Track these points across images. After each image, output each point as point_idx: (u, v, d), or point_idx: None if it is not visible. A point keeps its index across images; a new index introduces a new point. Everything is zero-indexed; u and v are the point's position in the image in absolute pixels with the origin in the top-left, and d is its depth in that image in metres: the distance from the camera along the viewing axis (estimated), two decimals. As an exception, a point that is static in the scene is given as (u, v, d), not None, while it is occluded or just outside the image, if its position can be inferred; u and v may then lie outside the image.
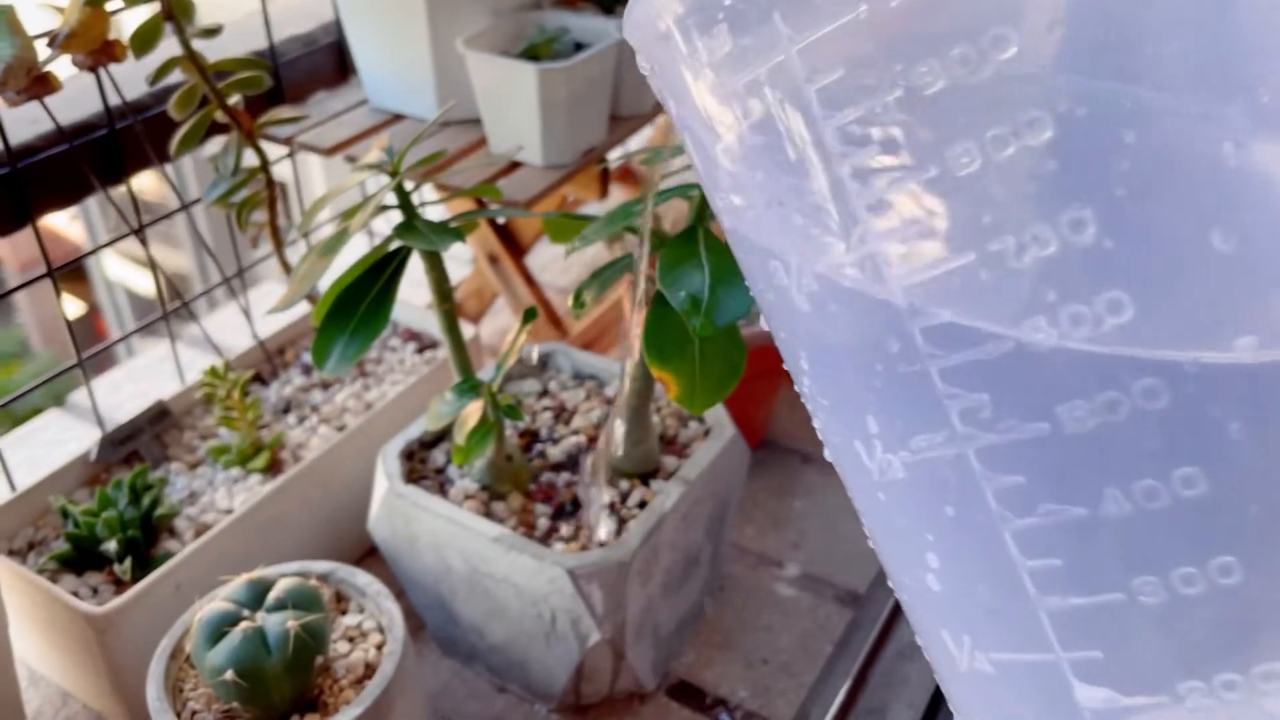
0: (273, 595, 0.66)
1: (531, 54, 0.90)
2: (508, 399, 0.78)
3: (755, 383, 1.02)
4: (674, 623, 0.84)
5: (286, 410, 0.97)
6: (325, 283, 0.73)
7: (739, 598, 0.92)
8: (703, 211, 0.70)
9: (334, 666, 0.70)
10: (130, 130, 0.86)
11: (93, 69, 0.79)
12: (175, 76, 0.82)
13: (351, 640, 0.72)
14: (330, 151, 0.94)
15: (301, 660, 0.64)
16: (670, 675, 0.85)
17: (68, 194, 0.85)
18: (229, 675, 0.62)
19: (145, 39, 0.80)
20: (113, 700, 0.78)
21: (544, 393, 0.91)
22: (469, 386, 0.75)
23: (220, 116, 0.83)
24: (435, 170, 0.85)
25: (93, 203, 0.91)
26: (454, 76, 0.94)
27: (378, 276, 0.70)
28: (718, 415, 0.85)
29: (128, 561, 0.78)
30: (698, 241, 0.66)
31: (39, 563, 0.79)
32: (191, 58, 0.80)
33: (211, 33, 0.79)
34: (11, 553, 0.81)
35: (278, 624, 0.64)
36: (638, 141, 1.57)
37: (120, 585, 0.79)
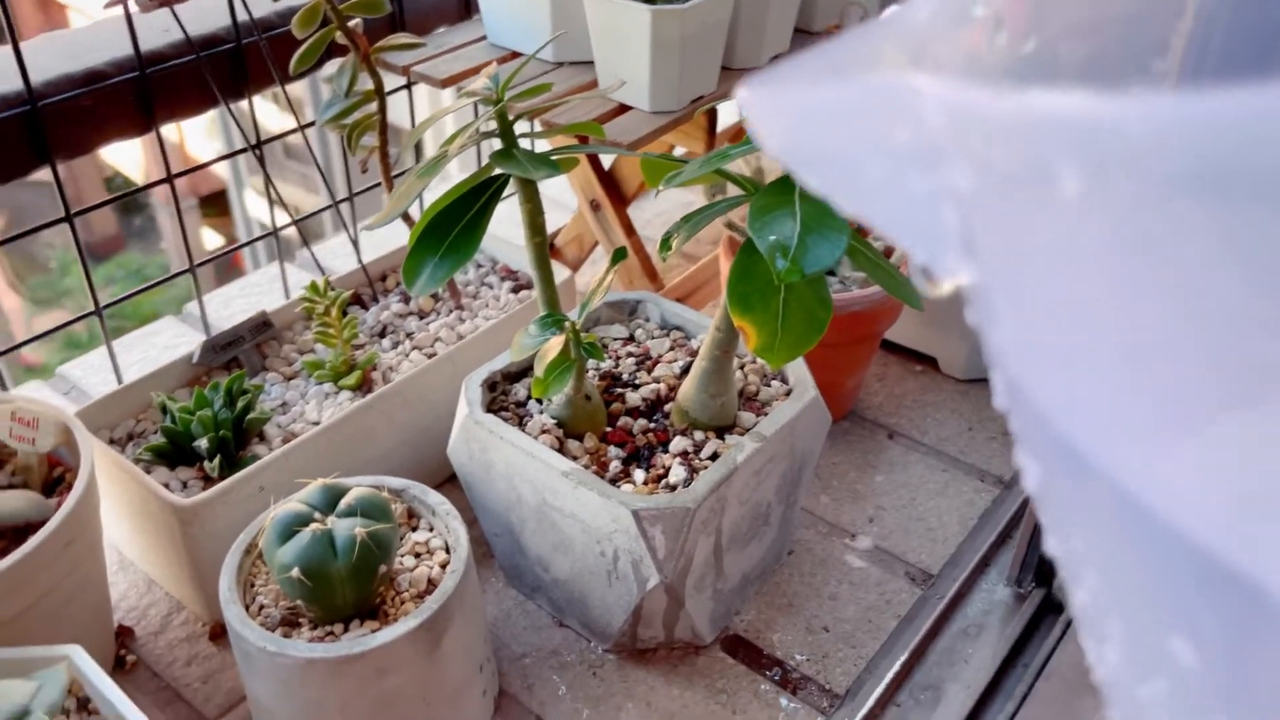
0: (344, 502, 0.68)
1: (648, -3, 0.89)
2: (590, 338, 0.79)
3: (846, 351, 1.01)
4: (737, 578, 0.83)
5: (382, 334, 1.00)
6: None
7: (807, 564, 0.91)
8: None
9: (398, 579, 0.72)
10: (255, 46, 0.89)
11: (224, -17, 0.82)
12: (300, -4, 0.84)
13: (418, 556, 0.74)
14: (445, 83, 0.96)
15: (365, 566, 0.66)
16: (729, 631, 0.85)
17: (193, 104, 0.88)
18: (295, 573, 0.64)
19: (275, -43, 0.82)
20: (191, 589, 0.81)
21: (630, 339, 0.91)
22: (553, 321, 0.75)
23: (339, 38, 0.84)
24: (541, 105, 0.85)
25: (238, 138, 0.94)
26: (570, 16, 0.94)
27: (472, 203, 0.71)
28: (801, 376, 0.84)
29: (217, 459, 0.81)
30: (793, 191, 0.65)
31: (135, 453, 0.83)
32: (317, -23, 0.82)
33: (337, -46, 0.80)
34: (112, 441, 0.86)
35: (346, 529, 0.66)
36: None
37: (208, 482, 0.82)
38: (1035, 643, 0.66)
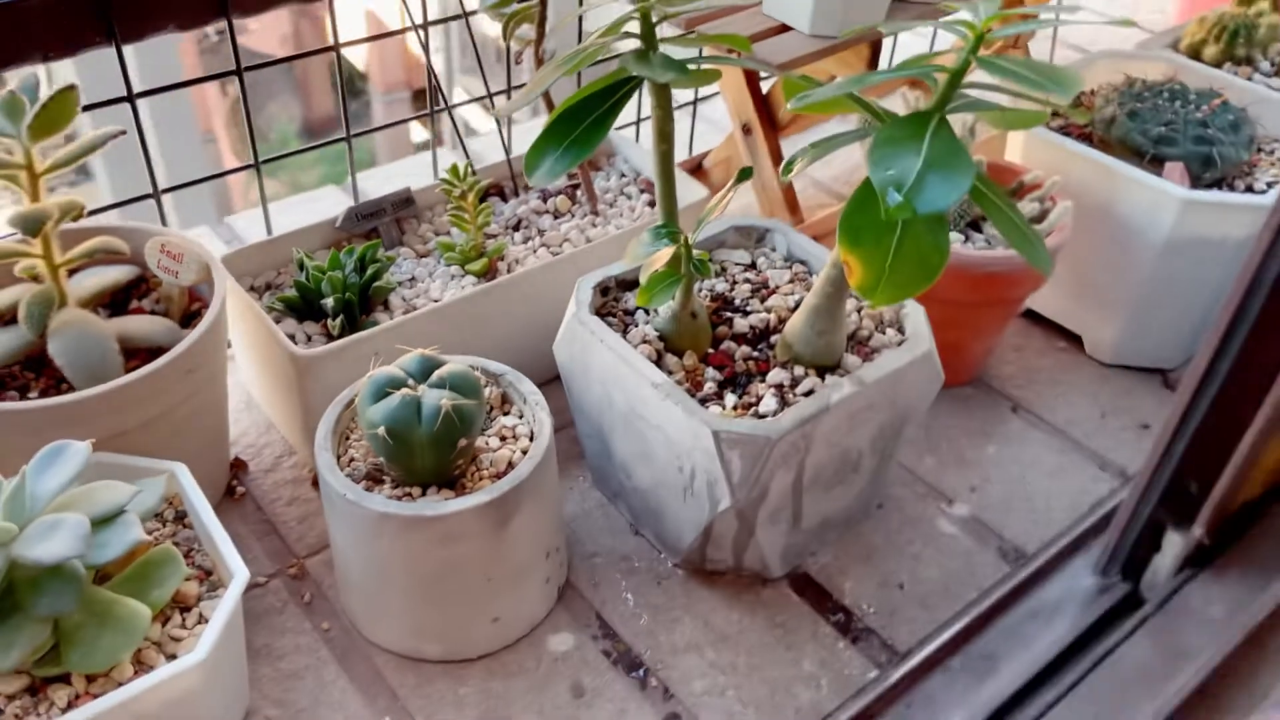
0: (438, 374, 0.70)
1: (826, -85, 0.86)
2: (703, 255, 0.78)
3: (977, 311, 0.96)
4: (817, 520, 0.82)
5: (516, 227, 1.02)
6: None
7: (896, 519, 0.89)
8: (946, 97, 0.65)
9: (480, 458, 0.74)
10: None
11: None
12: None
13: (503, 439, 0.76)
14: (609, -16, 0.95)
15: (446, 436, 0.68)
16: (800, 569, 0.84)
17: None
18: (381, 431, 0.67)
19: None
20: (301, 436, 0.87)
21: (751, 265, 0.90)
22: (667, 232, 0.75)
23: (510, -75, 0.85)
24: (694, 11, 0.84)
25: (456, 46, 0.96)
26: (746, -71, 0.92)
27: (603, 101, 0.71)
28: (918, 329, 0.81)
29: (339, 319, 0.85)
30: (926, 126, 0.62)
31: (268, 301, 0.88)
32: None
33: None
34: (251, 288, 0.91)
35: (434, 399, 0.68)
36: (914, 43, 1.47)
37: (330, 339, 0.86)
38: (1104, 635, 0.63)
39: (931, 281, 0.65)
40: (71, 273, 0.78)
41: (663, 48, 0.72)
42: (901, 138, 0.61)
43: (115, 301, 0.83)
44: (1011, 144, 1.07)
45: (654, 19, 0.71)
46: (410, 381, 0.70)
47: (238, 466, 0.90)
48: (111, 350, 0.74)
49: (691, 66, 0.71)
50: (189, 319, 0.83)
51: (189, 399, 0.77)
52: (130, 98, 0.85)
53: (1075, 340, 1.08)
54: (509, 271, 0.95)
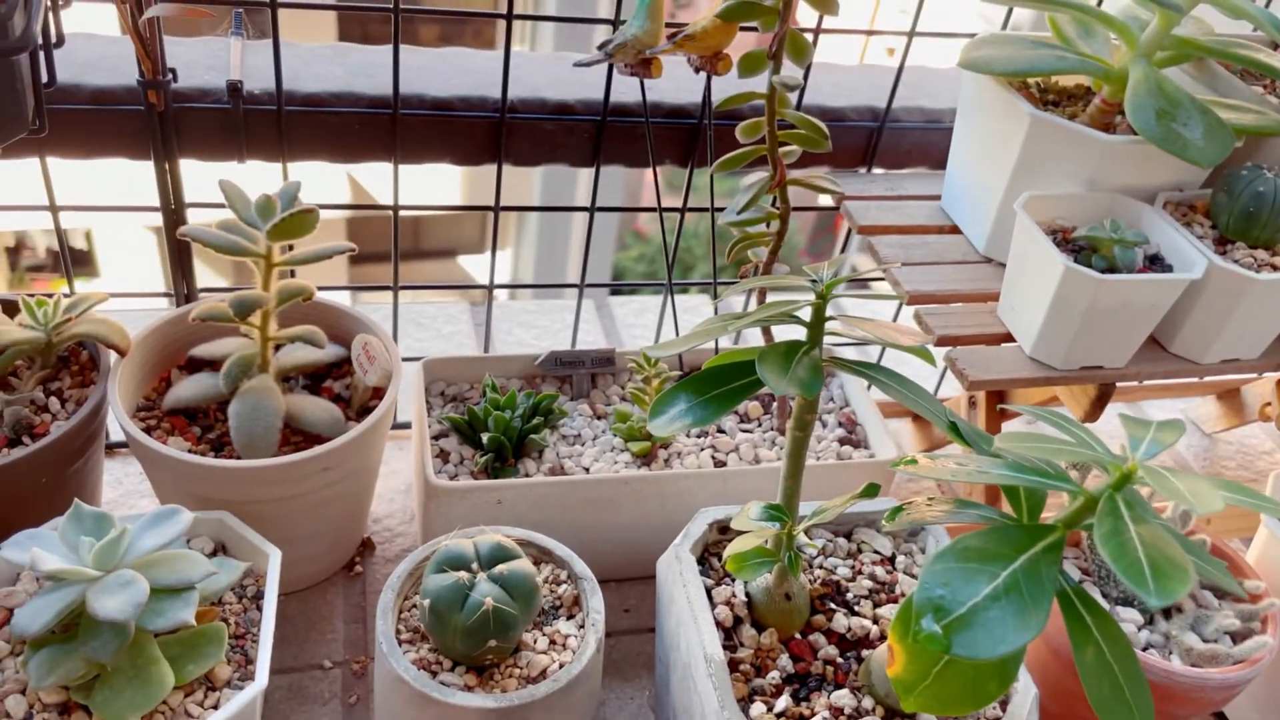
0: (502, 567, 0.73)
1: (1091, 243, 0.79)
2: (812, 545, 0.75)
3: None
4: None
5: (702, 417, 1.02)
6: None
7: None
8: (1079, 517, 0.59)
9: (523, 653, 0.75)
10: (702, 128, 0.94)
11: (698, 70, 0.87)
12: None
13: (553, 643, 0.77)
14: (861, 230, 0.93)
15: (479, 633, 0.70)
16: None
17: (631, 156, 0.95)
18: (425, 603, 0.71)
19: (753, 65, 0.85)
20: (423, 542, 0.92)
21: (889, 559, 0.85)
22: (773, 514, 0.73)
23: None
24: (922, 296, 0.81)
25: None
26: (1013, 222, 0.87)
27: (741, 376, 0.70)
28: (1019, 713, 0.72)
29: (487, 457, 0.90)
30: (1028, 548, 0.56)
31: (444, 414, 0.95)
32: (770, 98, 0.84)
33: (790, 88, 0.81)
34: (442, 394, 0.99)
35: (482, 593, 0.71)
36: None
37: (476, 470, 0.92)
38: None
39: (983, 706, 0.58)
40: (284, 343, 0.88)
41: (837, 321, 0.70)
42: (986, 553, 0.55)
43: (316, 373, 0.93)
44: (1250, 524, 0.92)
45: (828, 314, 0.69)
46: (474, 565, 0.73)
47: (367, 546, 0.98)
48: (274, 427, 0.83)
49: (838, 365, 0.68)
50: (365, 411, 0.91)
51: (325, 489, 0.84)
52: (396, 208, 0.95)
53: (1264, 773, 0.91)
54: (666, 463, 0.96)
